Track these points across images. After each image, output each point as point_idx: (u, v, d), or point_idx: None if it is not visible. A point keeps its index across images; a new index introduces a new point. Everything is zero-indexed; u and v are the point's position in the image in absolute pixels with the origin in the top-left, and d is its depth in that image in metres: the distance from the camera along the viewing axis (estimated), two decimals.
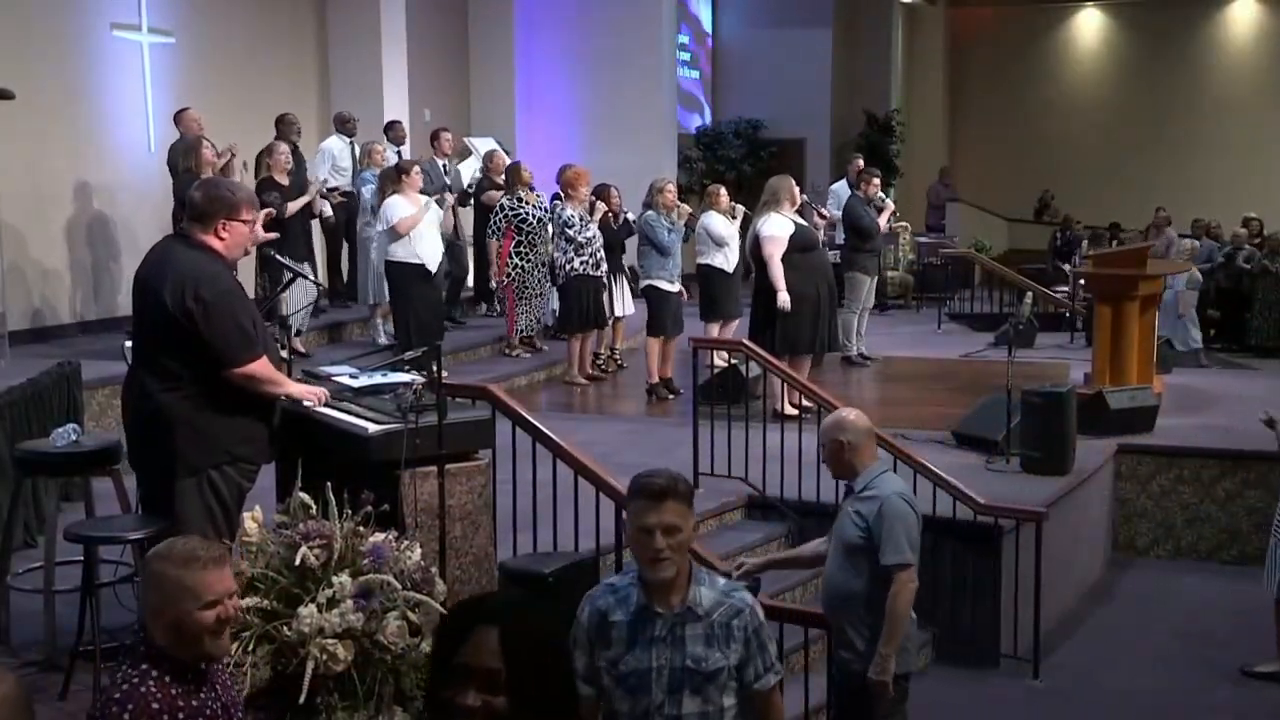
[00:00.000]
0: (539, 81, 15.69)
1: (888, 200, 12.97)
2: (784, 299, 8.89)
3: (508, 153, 12.85)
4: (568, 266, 10.25)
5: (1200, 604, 8.03)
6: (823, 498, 7.23)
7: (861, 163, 14.26)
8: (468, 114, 15.46)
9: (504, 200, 10.99)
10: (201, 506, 4.60)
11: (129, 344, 4.96)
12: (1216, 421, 9.52)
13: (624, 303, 11.09)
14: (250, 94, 11.66)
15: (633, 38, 15.28)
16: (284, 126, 10.85)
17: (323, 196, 10.80)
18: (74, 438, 5.17)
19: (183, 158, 9.12)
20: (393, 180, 9.88)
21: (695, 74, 20.14)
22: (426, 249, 9.62)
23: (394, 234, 9.54)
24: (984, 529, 6.92)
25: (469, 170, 12.57)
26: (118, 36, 10.58)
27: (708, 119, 20.33)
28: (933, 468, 6.96)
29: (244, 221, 4.68)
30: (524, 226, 10.81)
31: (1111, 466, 8.78)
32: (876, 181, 12.17)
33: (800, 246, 9.04)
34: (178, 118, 10.03)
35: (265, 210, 9.61)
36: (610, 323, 11.00)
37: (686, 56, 19.52)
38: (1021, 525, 6.93)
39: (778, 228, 8.99)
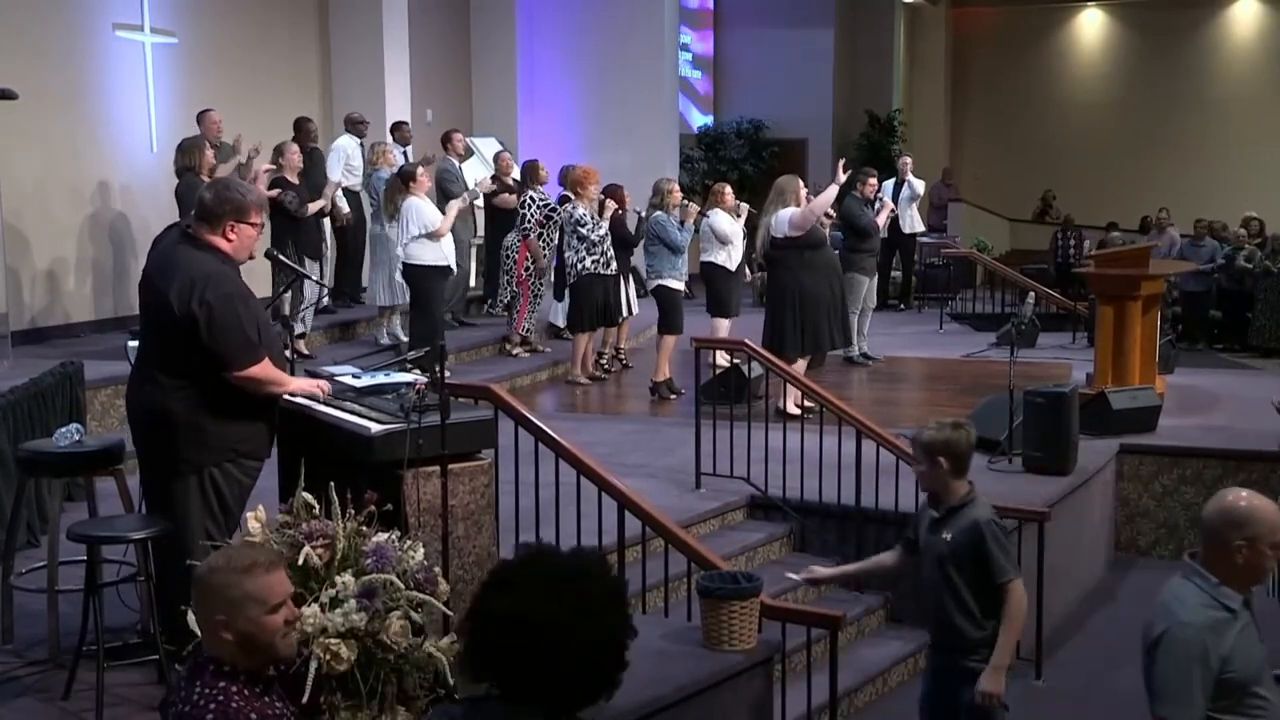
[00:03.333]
0: (541, 81, 15.71)
1: (887, 200, 12.97)
2: (840, 179, 9.27)
3: (510, 153, 12.88)
4: (579, 265, 10.27)
5: None
6: (825, 498, 7.26)
7: (909, 160, 14.26)
8: (470, 114, 15.48)
9: (533, 193, 11.05)
10: (202, 505, 4.61)
11: (132, 343, 4.98)
12: (1219, 422, 9.51)
13: (631, 302, 11.12)
14: (252, 94, 11.67)
15: (634, 38, 15.30)
16: (301, 134, 10.99)
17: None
18: (77, 438, 5.17)
19: (184, 156, 9.14)
20: (400, 188, 9.89)
21: (697, 73, 20.15)
22: (449, 249, 9.78)
23: (432, 236, 9.59)
24: None
25: (472, 172, 12.58)
26: (120, 36, 10.59)
27: (710, 119, 20.34)
28: None
29: (253, 224, 4.69)
30: (550, 221, 10.91)
31: (1114, 466, 8.78)
32: (873, 182, 12.20)
33: (810, 244, 9.06)
34: (199, 119, 10.09)
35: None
36: (619, 322, 11.03)
37: (688, 56, 19.53)
38: (1024, 525, 6.92)
39: (790, 211, 9.08)
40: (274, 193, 9.67)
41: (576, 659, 2.17)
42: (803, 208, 9.04)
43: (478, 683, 2.26)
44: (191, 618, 4.05)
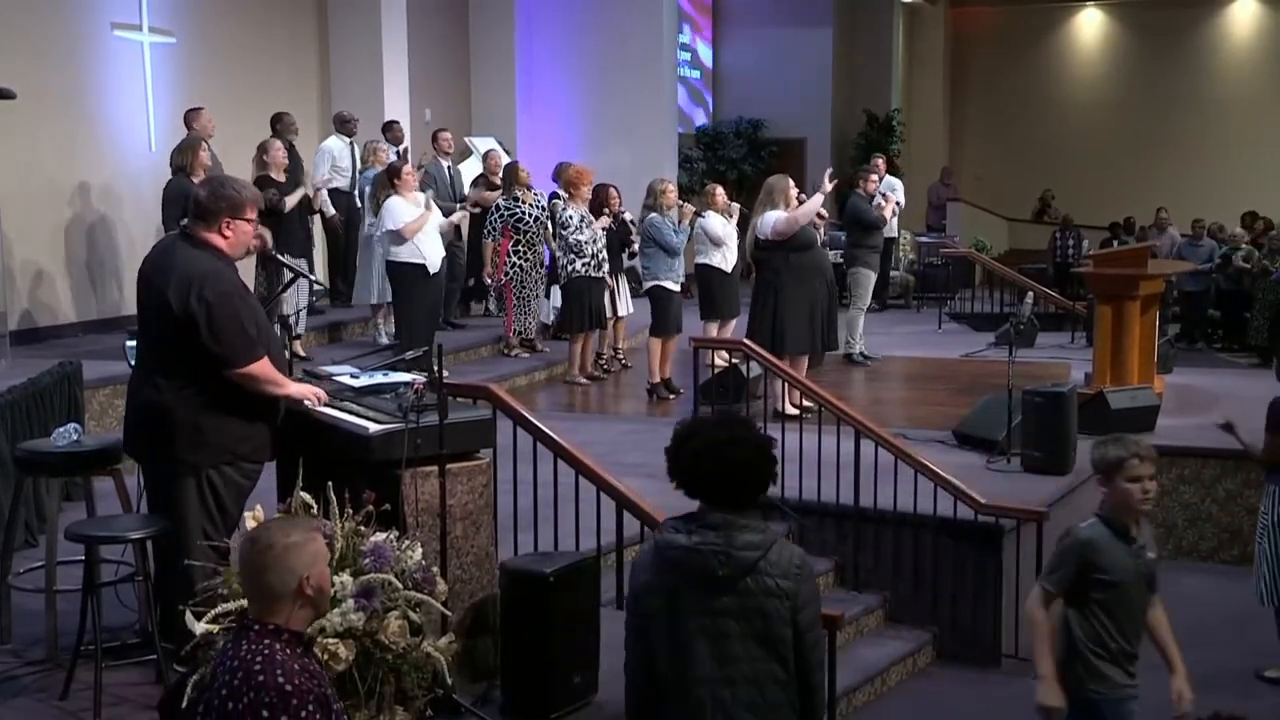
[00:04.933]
0: (540, 81, 15.70)
1: (890, 194, 12.97)
2: (826, 189, 9.32)
3: (508, 152, 12.85)
4: (569, 267, 10.24)
5: (1201, 604, 8.00)
6: (823, 498, 7.26)
7: (883, 161, 14.31)
8: (469, 113, 15.47)
9: (500, 200, 10.99)
10: (200, 506, 4.61)
11: (130, 343, 4.97)
12: (1217, 421, 9.49)
13: (625, 303, 11.09)
14: (251, 93, 11.66)
15: (633, 37, 15.29)
16: (280, 126, 10.87)
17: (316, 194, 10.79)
18: (75, 437, 5.16)
19: (179, 156, 9.11)
20: (385, 184, 9.88)
21: (696, 73, 20.14)
22: (428, 249, 9.63)
23: (398, 236, 9.53)
24: (985, 528, 6.91)
25: (470, 171, 12.55)
26: (119, 36, 10.58)
27: (708, 118, 20.34)
28: (934, 467, 6.96)
29: (248, 220, 4.69)
30: (521, 226, 10.79)
31: None
32: (875, 178, 12.20)
33: (798, 245, 9.03)
34: (188, 117, 10.04)
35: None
36: (611, 323, 11.00)
37: (687, 56, 19.53)
38: (1022, 525, 6.93)
39: (776, 215, 9.03)
40: (292, 200, 9.69)
41: (749, 463, 3.33)
42: (787, 214, 8.98)
43: (692, 497, 3.49)
44: (190, 617, 4.07)
